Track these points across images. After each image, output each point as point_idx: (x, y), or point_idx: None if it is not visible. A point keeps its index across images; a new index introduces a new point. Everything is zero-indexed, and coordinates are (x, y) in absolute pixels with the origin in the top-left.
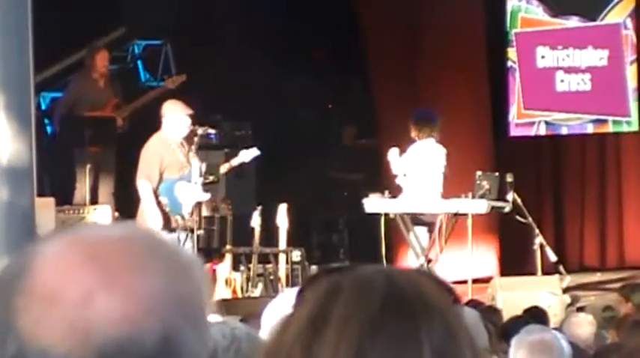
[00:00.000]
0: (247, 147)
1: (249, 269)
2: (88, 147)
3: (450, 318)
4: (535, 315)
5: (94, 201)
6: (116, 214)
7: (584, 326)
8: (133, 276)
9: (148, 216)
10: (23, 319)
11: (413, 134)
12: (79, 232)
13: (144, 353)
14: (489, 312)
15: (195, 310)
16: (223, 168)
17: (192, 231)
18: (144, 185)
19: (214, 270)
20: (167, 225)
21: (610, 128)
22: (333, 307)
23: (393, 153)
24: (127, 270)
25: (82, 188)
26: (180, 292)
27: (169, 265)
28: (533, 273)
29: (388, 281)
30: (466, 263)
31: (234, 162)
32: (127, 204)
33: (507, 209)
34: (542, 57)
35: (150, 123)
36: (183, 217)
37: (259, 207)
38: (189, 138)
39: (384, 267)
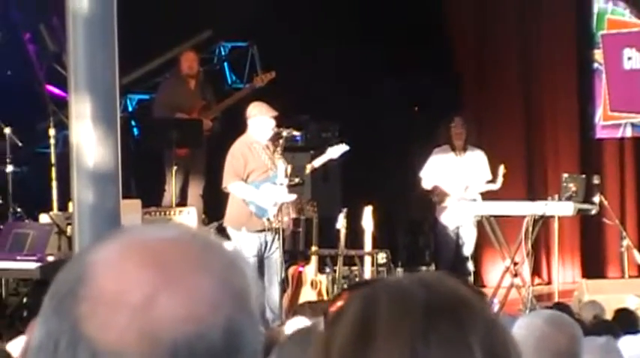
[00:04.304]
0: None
1: (334, 271)
2: (175, 150)
3: (492, 319)
4: (624, 318)
5: (182, 203)
6: (203, 216)
7: None
8: (192, 274)
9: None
10: (90, 326)
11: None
12: (132, 235)
13: (211, 349)
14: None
15: (250, 303)
16: (309, 168)
17: (277, 232)
18: (237, 185)
19: (300, 272)
20: (253, 226)
21: None
22: (376, 319)
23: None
24: (186, 269)
25: (170, 190)
26: (237, 286)
27: (223, 261)
28: (619, 276)
29: (426, 288)
30: (552, 265)
31: (321, 159)
32: (215, 207)
33: (594, 211)
34: (629, 58)
35: (240, 124)
36: (269, 219)
37: (345, 210)
38: (274, 140)
39: (417, 274)
